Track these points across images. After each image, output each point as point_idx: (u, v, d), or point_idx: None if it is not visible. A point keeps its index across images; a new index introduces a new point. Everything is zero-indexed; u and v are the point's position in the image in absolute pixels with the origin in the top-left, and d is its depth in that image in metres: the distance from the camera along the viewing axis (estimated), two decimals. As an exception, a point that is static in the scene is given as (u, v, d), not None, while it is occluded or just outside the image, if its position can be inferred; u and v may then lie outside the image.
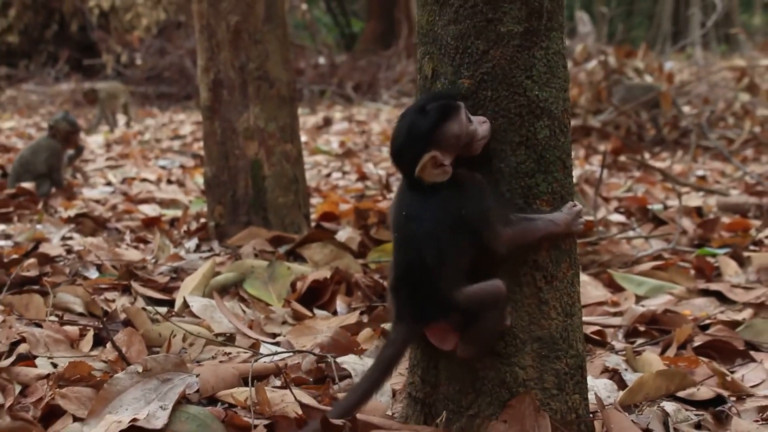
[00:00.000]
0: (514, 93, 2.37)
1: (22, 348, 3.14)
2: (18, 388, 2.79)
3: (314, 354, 2.98)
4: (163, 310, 3.69)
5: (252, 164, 4.96)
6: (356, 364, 2.80)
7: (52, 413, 2.63)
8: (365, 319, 3.55)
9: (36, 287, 3.95)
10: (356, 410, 2.27)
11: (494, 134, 2.36)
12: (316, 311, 3.78)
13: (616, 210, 6.18)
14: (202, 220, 5.63)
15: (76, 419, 2.55)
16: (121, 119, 14.11)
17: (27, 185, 6.82)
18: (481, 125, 2.26)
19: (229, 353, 3.17)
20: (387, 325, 3.28)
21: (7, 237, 5.42)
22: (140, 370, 2.64)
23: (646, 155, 9.06)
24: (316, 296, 3.93)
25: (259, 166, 4.95)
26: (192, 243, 5.03)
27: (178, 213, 6.20)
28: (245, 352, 3.16)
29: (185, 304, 3.71)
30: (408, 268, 2.27)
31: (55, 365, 3.02)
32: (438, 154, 2.19)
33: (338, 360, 2.85)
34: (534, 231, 2.31)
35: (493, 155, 2.37)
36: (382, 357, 2.31)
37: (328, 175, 8.70)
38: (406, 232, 2.28)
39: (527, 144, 2.38)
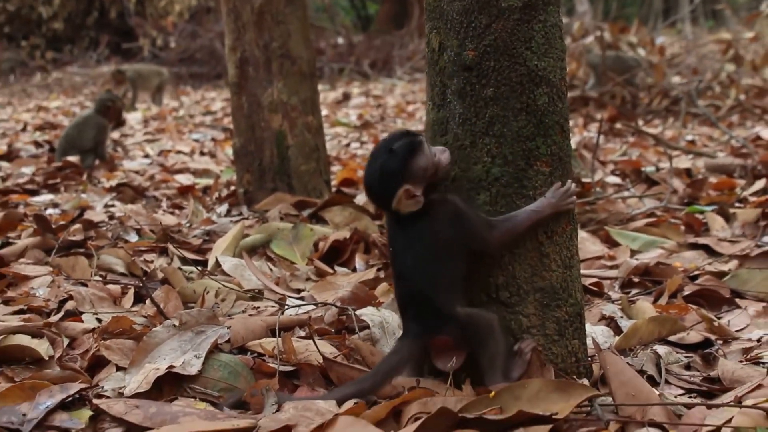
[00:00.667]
0: (515, 63, 2.35)
1: (70, 305, 3.15)
2: (66, 341, 2.80)
3: (336, 306, 2.98)
4: (198, 270, 3.70)
5: (276, 135, 4.94)
6: (374, 316, 2.79)
7: (97, 363, 2.64)
8: (382, 274, 3.54)
9: (81, 250, 3.96)
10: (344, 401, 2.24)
11: (497, 101, 2.36)
12: (337, 268, 3.78)
13: (612, 172, 6.15)
14: (232, 187, 5.63)
15: (119, 368, 2.56)
16: (149, 99, 14.06)
17: (72, 159, 6.83)
18: (442, 154, 2.29)
19: (258, 307, 3.17)
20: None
21: (55, 205, 5.44)
22: (176, 323, 2.64)
23: (640, 122, 8.99)
24: (336, 255, 3.93)
25: (283, 136, 4.94)
26: (223, 208, 5.03)
27: (210, 182, 6.20)
28: (273, 306, 3.17)
29: (217, 264, 3.72)
30: (408, 296, 2.31)
31: (99, 320, 3.02)
32: (410, 187, 2.24)
33: (358, 312, 2.85)
34: (519, 226, 2.32)
35: (496, 121, 2.36)
36: (384, 363, 2.30)
37: (347, 145, 8.67)
38: (397, 267, 2.33)
39: (527, 110, 2.36)
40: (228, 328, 2.68)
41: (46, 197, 5.76)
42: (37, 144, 8.57)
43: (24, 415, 2.23)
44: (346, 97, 13.82)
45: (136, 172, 6.86)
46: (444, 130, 2.43)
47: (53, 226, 4.28)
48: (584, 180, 5.31)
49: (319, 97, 5.17)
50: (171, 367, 2.44)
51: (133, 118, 11.27)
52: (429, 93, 2.50)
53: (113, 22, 22.28)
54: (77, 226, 4.32)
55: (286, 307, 3.05)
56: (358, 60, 19.01)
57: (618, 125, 8.69)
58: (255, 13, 4.96)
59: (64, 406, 2.31)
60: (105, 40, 21.77)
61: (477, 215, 2.29)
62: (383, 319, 2.77)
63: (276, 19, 4.97)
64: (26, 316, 3.04)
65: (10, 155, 7.72)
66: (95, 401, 2.30)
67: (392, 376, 2.27)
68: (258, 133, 4.96)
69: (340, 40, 20.64)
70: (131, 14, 21.50)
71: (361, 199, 4.73)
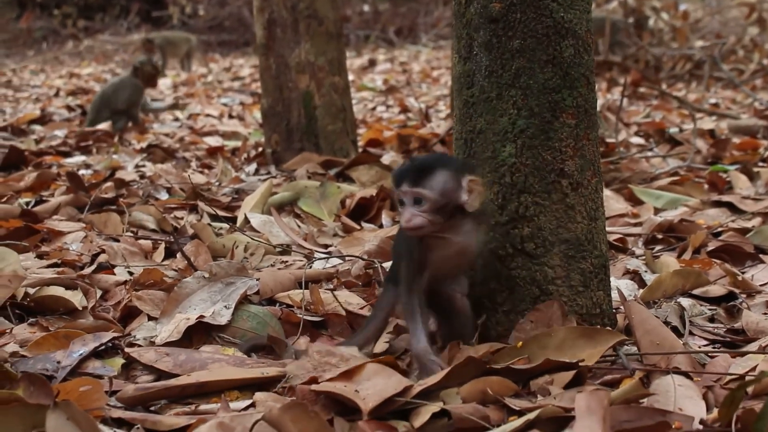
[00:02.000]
0: (541, 15, 2.31)
1: (102, 258, 3.16)
2: (99, 293, 2.80)
3: (362, 259, 2.96)
4: (227, 226, 3.69)
5: (304, 95, 4.92)
6: (400, 269, 2.77)
7: (129, 314, 2.64)
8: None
9: (113, 207, 3.96)
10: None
11: (523, 53, 2.32)
12: (364, 225, 3.76)
13: (636, 133, 6.09)
14: (260, 148, 5.62)
15: (150, 318, 2.57)
16: (178, 65, 14.07)
17: (103, 126, 6.83)
18: (404, 218, 2.09)
19: (286, 261, 3.16)
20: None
21: (87, 166, 5.45)
22: (206, 275, 2.64)
23: (663, 86, 8.91)
24: (363, 212, 3.91)
25: (310, 97, 4.92)
26: (251, 168, 5.02)
27: (239, 143, 6.20)
28: (301, 261, 3.15)
29: (246, 220, 3.71)
30: None
31: (131, 273, 3.03)
32: None
33: (384, 265, 2.84)
34: (405, 311, 2.17)
35: (522, 73, 2.33)
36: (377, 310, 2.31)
37: (373, 108, 8.64)
38: None
39: (554, 62, 2.33)
40: (257, 280, 2.67)
41: (78, 158, 5.77)
42: (70, 108, 8.60)
43: (58, 362, 2.25)
44: (372, 63, 13.77)
45: (166, 135, 6.85)
46: (470, 83, 2.40)
47: (86, 185, 4.29)
48: (608, 140, 5.26)
49: (345, 57, 5.14)
50: (201, 317, 2.44)
51: (162, 83, 11.27)
52: (456, 45, 2.46)
53: (143, -9, 22.27)
54: (109, 184, 4.32)
55: (313, 260, 3.04)
56: (384, 27, 18.92)
57: (641, 89, 8.60)
58: (282, -25, 4.92)
59: (97, 354, 2.32)
60: (135, 8, 21.74)
61: (407, 266, 2.18)
62: (410, 272, 2.75)
63: (303, -20, 4.94)
64: (60, 269, 3.05)
65: (44, 119, 7.75)
66: (127, 350, 2.31)
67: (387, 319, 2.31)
68: (286, 94, 4.94)
69: (366, 8, 20.53)
70: (161, -18, 21.49)
71: (387, 158, 4.71)
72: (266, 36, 4.99)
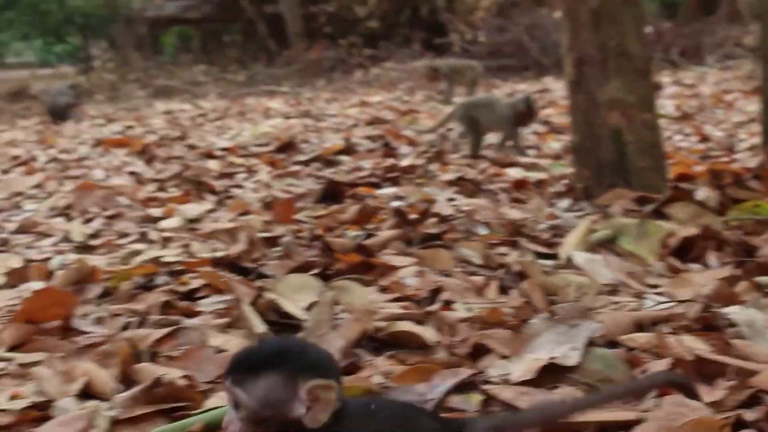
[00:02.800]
0: None
1: (446, 295, 3.33)
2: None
3: (704, 303, 2.97)
4: (549, 262, 3.80)
5: (613, 132, 4.97)
6: (740, 314, 2.79)
7: (475, 351, 2.79)
8: (739, 272, 3.47)
9: (438, 242, 4.15)
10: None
11: None
12: (690, 265, 3.76)
13: None
14: (563, 181, 5.70)
15: (501, 357, 2.71)
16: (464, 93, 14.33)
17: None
18: (225, 419, 1.56)
19: (617, 302, 3.22)
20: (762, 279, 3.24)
21: (398, 198, 5.69)
22: (550, 316, 2.77)
23: None
24: (684, 252, 3.90)
25: (620, 133, 4.97)
26: (564, 203, 5.11)
27: (539, 175, 6.30)
28: (631, 302, 3.21)
29: (568, 258, 3.79)
30: None
31: (469, 310, 3.19)
32: None
33: (723, 310, 2.85)
34: None
35: None
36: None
37: (669, 137, 8.49)
38: None
39: None
40: (599, 322, 2.76)
41: (389, 190, 6.03)
42: (371, 138, 8.95)
43: (423, 395, 2.43)
44: (658, 86, 13.49)
45: (468, 166, 7.05)
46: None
47: (409, 218, 4.53)
48: None
49: (653, 93, 5.16)
50: (552, 357, 2.56)
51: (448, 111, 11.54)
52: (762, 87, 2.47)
53: (425, 19, 22.96)
54: (433, 219, 4.54)
55: (657, 303, 3.09)
56: (667, 48, 18.53)
57: None
58: (591, 14, 5.01)
59: (455, 389, 2.49)
60: (418, 36, 22.43)
61: None
62: (750, 318, 2.77)
63: (612, 18, 5.00)
64: (403, 303, 3.26)
65: (349, 149, 8.14)
66: (485, 387, 2.46)
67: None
68: (595, 130, 5.02)
69: (648, 29, 20.18)
70: (441, 11, 22.07)
71: (700, 194, 4.67)
72: (575, 74, 5.09)
